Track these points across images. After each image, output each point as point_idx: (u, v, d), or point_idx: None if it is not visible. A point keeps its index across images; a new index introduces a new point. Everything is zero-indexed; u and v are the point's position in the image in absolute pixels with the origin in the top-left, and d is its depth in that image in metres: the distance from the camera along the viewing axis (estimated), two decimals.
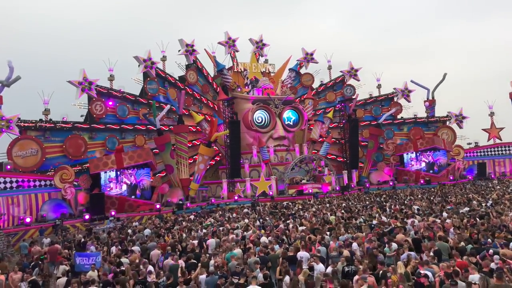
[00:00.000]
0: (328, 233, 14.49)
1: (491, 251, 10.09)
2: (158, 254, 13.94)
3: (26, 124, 31.02)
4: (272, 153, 41.27)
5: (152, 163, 34.64)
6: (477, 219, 14.79)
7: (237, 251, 12.80)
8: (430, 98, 52.03)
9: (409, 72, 77.87)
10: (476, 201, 20.79)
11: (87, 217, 27.38)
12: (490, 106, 50.67)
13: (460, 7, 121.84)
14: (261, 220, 20.14)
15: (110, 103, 36.44)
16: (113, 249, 15.24)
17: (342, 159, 46.58)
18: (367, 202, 25.69)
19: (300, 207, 25.68)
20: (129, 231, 20.45)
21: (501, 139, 49.82)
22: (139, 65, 38.50)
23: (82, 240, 18.37)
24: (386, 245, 11.86)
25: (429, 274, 9.09)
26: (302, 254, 11.71)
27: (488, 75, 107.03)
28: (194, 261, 12.16)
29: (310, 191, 36.51)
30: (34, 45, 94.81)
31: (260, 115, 42.52)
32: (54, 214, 28.30)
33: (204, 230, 17.83)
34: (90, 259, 12.87)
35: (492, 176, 44.86)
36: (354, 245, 12.42)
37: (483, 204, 19.45)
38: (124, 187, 33.16)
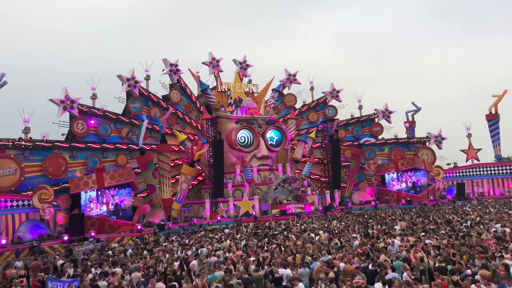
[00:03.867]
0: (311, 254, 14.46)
1: (469, 271, 10.23)
2: (138, 276, 13.64)
3: (5, 143, 30.40)
4: (256, 172, 41.29)
5: (133, 183, 34.22)
6: (458, 239, 15.00)
7: (219, 273, 12.63)
8: (410, 119, 53.28)
9: (390, 94, 79.80)
10: (455, 221, 21.10)
11: (66, 238, 26.68)
12: (467, 127, 52.08)
13: (440, 32, 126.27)
14: (244, 241, 19.99)
15: (92, 121, 36.07)
16: (93, 270, 14.84)
17: (324, 179, 46.87)
18: (349, 222, 25.78)
19: (283, 227, 25.60)
20: (109, 252, 20.00)
21: (478, 160, 51.14)
22: (122, 84, 38.38)
23: (61, 262, 17.81)
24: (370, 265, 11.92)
25: None
26: (283, 272, 11.74)
27: (465, 97, 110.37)
28: (175, 283, 11.95)
29: (293, 211, 36.50)
30: (15, 61, 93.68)
31: (243, 135, 42.67)
32: (31, 235, 27.52)
33: (189, 252, 17.51)
34: (66, 285, 12.38)
35: (471, 196, 45.75)
36: (341, 265, 12.41)
37: (463, 224, 19.75)
38: (104, 208, 32.56)
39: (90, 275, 14.22)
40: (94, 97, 37.93)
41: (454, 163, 52.02)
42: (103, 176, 31.80)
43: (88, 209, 31.49)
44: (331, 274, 11.33)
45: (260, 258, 14.16)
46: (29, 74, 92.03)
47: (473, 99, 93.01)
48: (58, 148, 33.55)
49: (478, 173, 49.93)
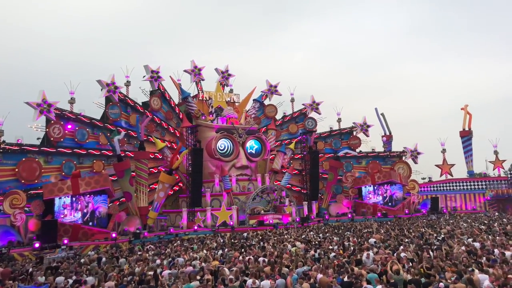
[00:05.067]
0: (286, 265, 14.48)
1: (441, 284, 10.44)
2: (112, 286, 13.36)
3: None
4: (234, 182, 41.18)
5: (109, 190, 33.59)
6: (430, 252, 15.30)
7: (194, 283, 12.51)
8: (387, 133, 54.35)
9: (368, 108, 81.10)
10: (428, 235, 21.50)
11: (37, 245, 25.85)
12: (442, 143, 53.47)
13: (418, 49, 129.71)
14: (221, 251, 19.87)
15: (69, 126, 35.34)
16: (64, 278, 14.44)
17: (303, 190, 47.10)
18: (327, 234, 25.92)
19: (260, 237, 25.56)
20: (82, 260, 19.55)
21: (452, 175, 52.46)
22: (101, 89, 37.84)
23: (30, 270, 17.29)
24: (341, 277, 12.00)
25: None
26: (263, 284, 11.69)
27: (441, 113, 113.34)
28: None
29: (271, 221, 36.51)
30: None
31: (223, 144, 42.60)
32: (1, 242, 26.63)
33: (164, 262, 17.28)
34: None
35: (444, 210, 46.78)
36: (318, 276, 12.45)
37: (437, 238, 20.15)
38: (79, 214, 31.83)
39: (61, 284, 13.87)
40: (72, 101, 37.26)
41: (429, 178, 53.24)
42: (79, 182, 31.14)
43: (62, 216, 30.71)
44: (305, 285, 11.36)
45: (236, 269, 14.10)
46: (4, 76, 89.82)
47: (449, 115, 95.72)
48: (32, 152, 32.69)
49: (451, 188, 51.24)
